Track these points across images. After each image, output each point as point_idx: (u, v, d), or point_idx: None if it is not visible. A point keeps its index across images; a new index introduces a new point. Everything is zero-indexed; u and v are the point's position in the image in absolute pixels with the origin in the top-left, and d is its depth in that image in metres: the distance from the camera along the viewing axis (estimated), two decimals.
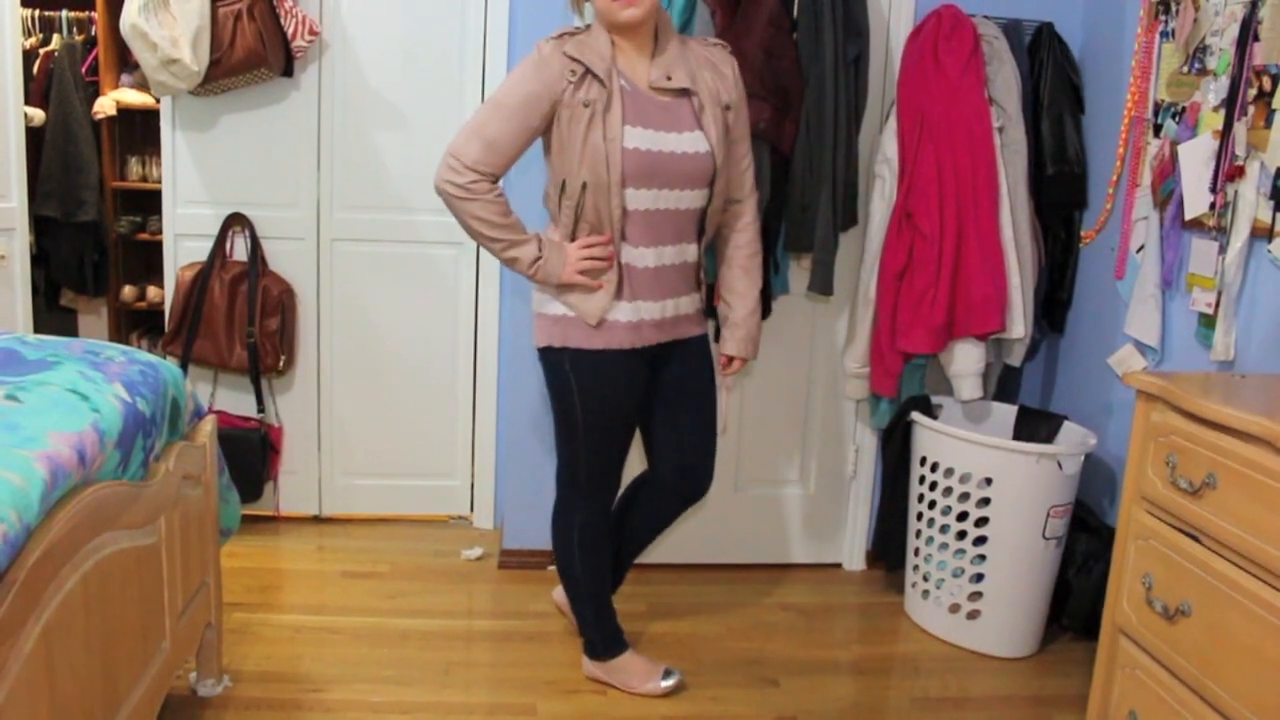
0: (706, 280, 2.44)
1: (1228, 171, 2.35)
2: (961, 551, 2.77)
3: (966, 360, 2.84)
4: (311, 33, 3.06)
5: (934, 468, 2.81)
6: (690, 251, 2.31)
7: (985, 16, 2.89)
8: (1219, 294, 2.39)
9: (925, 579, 2.89)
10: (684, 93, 2.19)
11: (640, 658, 2.53)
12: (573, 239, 2.22)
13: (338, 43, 3.17)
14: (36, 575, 1.41)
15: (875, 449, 3.22)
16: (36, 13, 4.25)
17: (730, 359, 2.47)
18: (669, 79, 2.17)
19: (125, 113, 4.30)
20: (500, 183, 2.23)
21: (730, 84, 2.27)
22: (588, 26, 2.24)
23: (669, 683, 2.47)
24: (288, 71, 3.09)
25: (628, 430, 2.39)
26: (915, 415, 2.88)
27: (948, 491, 2.77)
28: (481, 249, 3.32)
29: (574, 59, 2.13)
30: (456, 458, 3.47)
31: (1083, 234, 3.03)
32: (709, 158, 2.20)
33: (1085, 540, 2.80)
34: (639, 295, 2.25)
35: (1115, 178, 2.87)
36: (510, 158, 2.19)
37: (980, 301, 2.76)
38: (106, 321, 4.57)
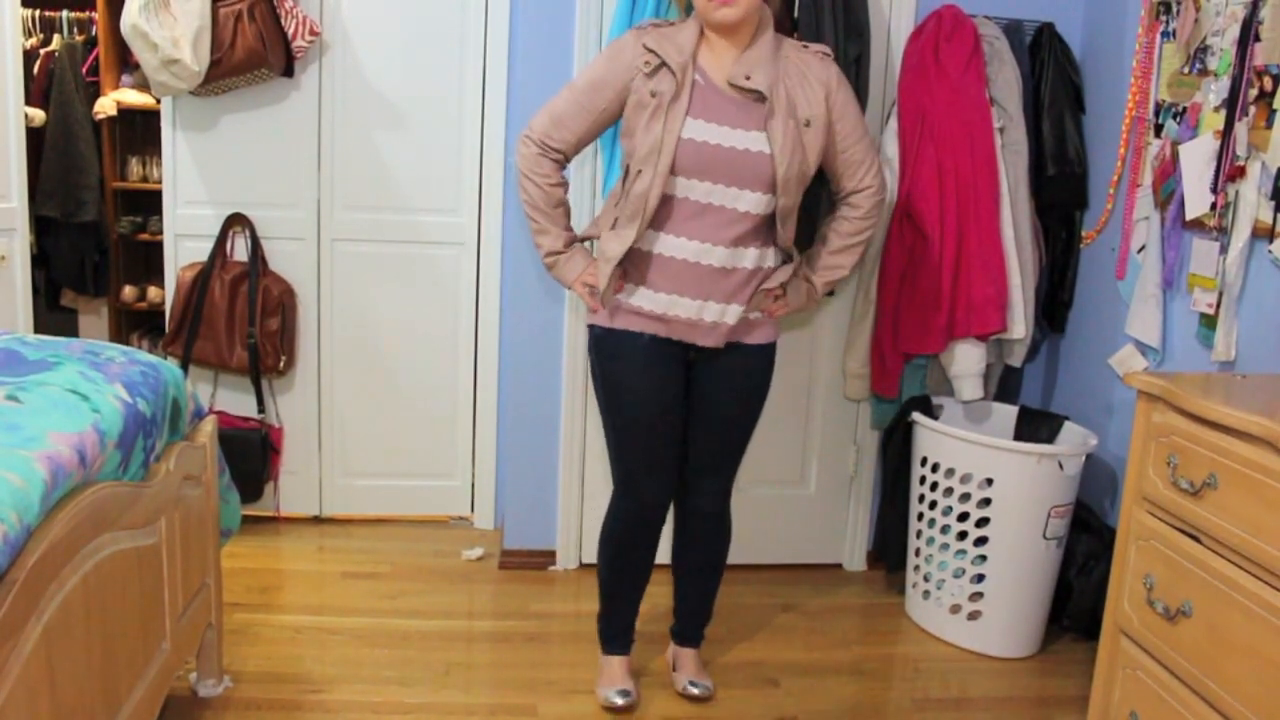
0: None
1: (1229, 172, 2.35)
2: (962, 552, 2.77)
3: (967, 361, 2.84)
4: (312, 33, 3.06)
5: (935, 468, 2.81)
6: (748, 257, 2.20)
7: (986, 17, 2.89)
8: (1220, 294, 2.39)
9: (926, 579, 2.89)
10: (760, 96, 2.14)
11: (621, 669, 2.48)
12: (614, 225, 2.21)
13: (338, 43, 3.17)
14: (37, 576, 1.41)
15: (876, 449, 3.21)
16: (37, 13, 4.24)
17: (780, 295, 2.29)
18: (748, 78, 2.12)
19: (126, 113, 4.30)
20: (566, 172, 2.27)
21: (819, 99, 2.17)
22: (673, 21, 2.25)
23: (615, 700, 2.41)
24: (288, 72, 3.09)
25: (652, 427, 2.29)
26: (916, 416, 2.88)
27: (948, 492, 2.77)
28: (494, 248, 3.33)
29: (650, 50, 2.13)
30: (456, 458, 3.47)
31: (1083, 234, 3.03)
32: (768, 160, 2.13)
33: (1086, 541, 2.80)
34: (667, 287, 2.19)
35: (1116, 178, 2.87)
36: (576, 135, 2.21)
37: (981, 302, 2.76)
38: (107, 322, 4.56)
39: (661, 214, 2.17)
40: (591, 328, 2.30)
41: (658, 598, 2.94)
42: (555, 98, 2.24)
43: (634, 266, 2.21)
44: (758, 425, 3.13)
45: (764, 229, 2.22)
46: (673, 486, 2.39)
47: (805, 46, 2.25)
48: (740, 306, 2.22)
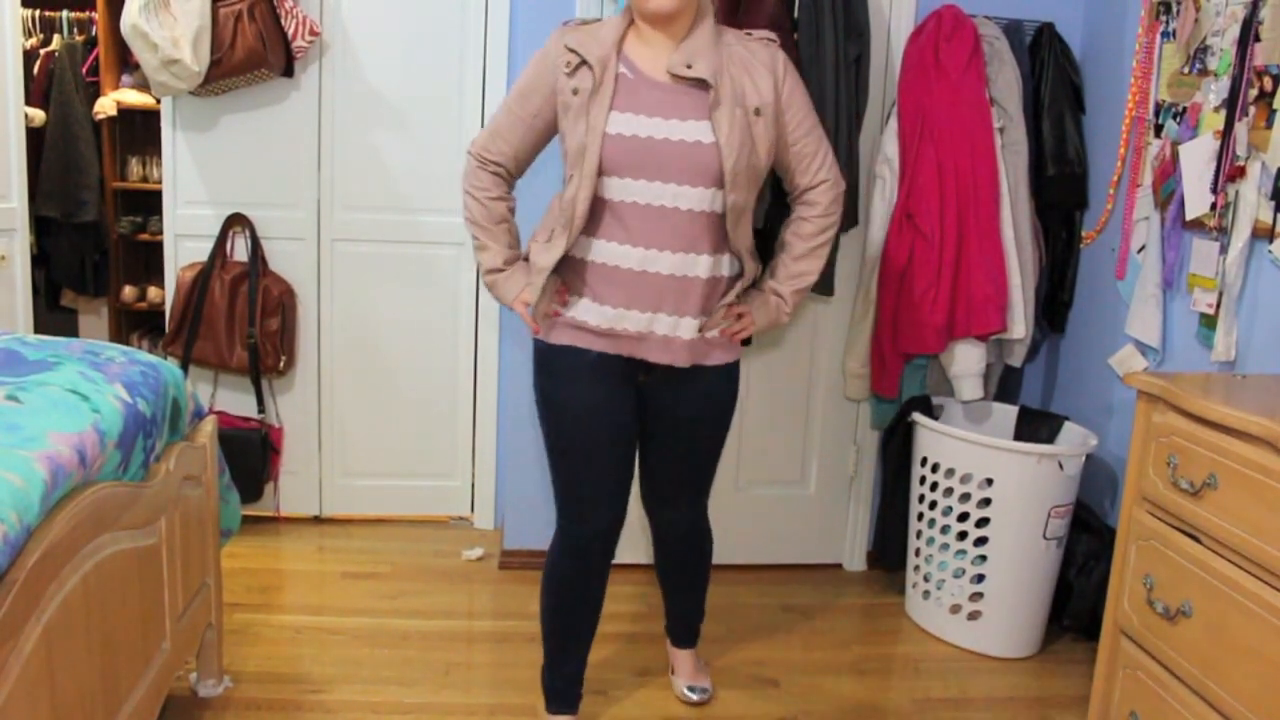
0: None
1: (1229, 172, 2.35)
2: (962, 552, 2.77)
3: (967, 360, 2.84)
4: (312, 33, 3.06)
5: (935, 468, 2.81)
6: (700, 264, 2.03)
7: (986, 17, 2.89)
8: (1220, 294, 2.39)
9: (926, 579, 2.89)
10: (703, 84, 1.98)
11: None
12: (550, 237, 2.08)
13: (338, 43, 3.17)
14: (37, 576, 1.41)
15: (876, 449, 3.21)
16: (37, 13, 4.24)
17: (741, 315, 2.15)
18: (689, 66, 1.98)
19: (126, 113, 4.30)
20: (513, 191, 2.18)
21: (767, 87, 2.02)
22: (600, 18, 2.15)
23: None
24: (288, 72, 3.09)
25: (597, 452, 2.13)
26: (916, 416, 2.88)
27: (948, 492, 2.77)
28: None
29: (571, 49, 2.02)
30: (456, 458, 3.47)
31: (1084, 234, 3.03)
32: (713, 150, 1.97)
33: (1086, 541, 2.80)
34: (613, 299, 2.04)
35: (1116, 178, 2.87)
36: (514, 146, 2.12)
37: (981, 302, 2.76)
38: (107, 322, 4.56)
39: (598, 219, 2.03)
40: (535, 343, 2.15)
41: (655, 597, 2.95)
42: (496, 110, 2.16)
43: (574, 278, 2.07)
44: (758, 426, 3.17)
45: (715, 232, 2.05)
46: (622, 515, 2.21)
47: (748, 34, 2.11)
48: (694, 319, 2.06)
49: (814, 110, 2.14)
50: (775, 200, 2.69)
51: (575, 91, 2.00)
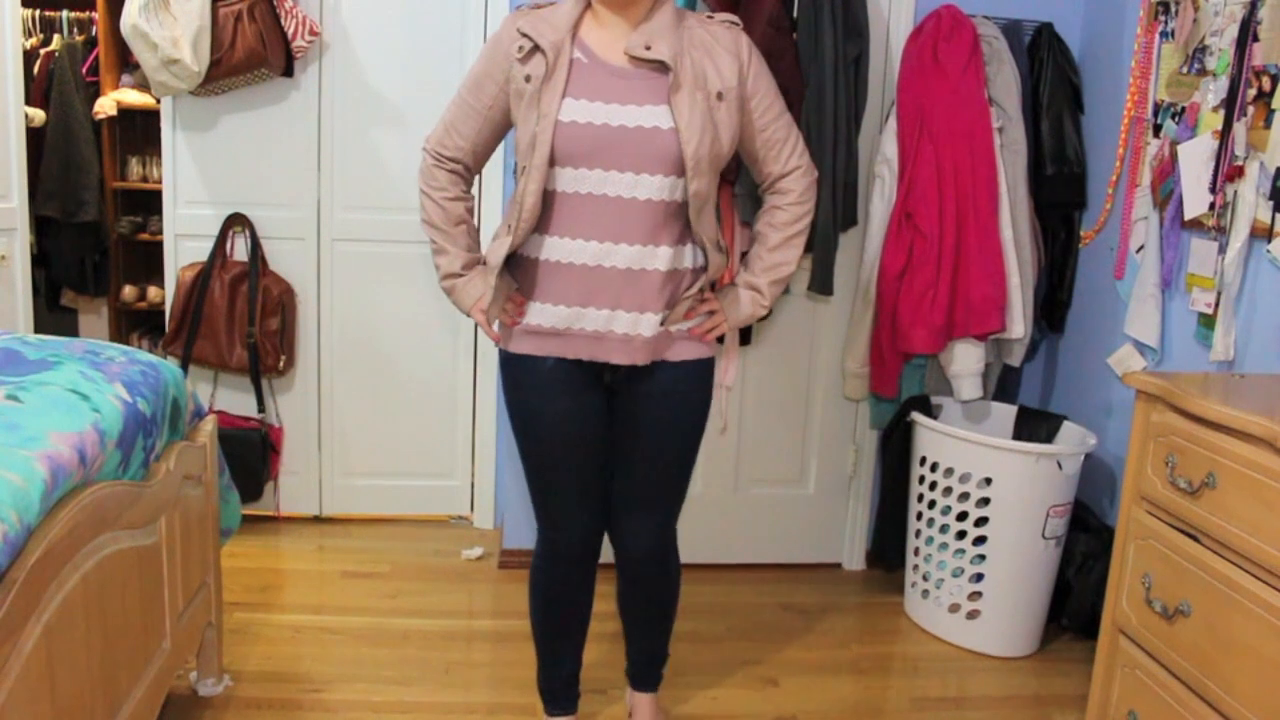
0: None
1: (1227, 172, 2.36)
2: (961, 551, 2.77)
3: (966, 360, 2.84)
4: (312, 33, 3.06)
5: (934, 468, 2.81)
6: (660, 257, 1.93)
7: (985, 17, 2.89)
8: (1218, 294, 2.39)
9: (925, 579, 2.90)
10: (662, 68, 1.89)
11: None
12: (508, 230, 1.98)
13: (338, 43, 3.17)
14: (37, 575, 1.41)
15: (875, 449, 3.22)
16: (37, 13, 4.25)
17: (712, 311, 2.05)
18: (648, 48, 1.88)
19: (126, 113, 4.30)
20: (470, 190, 2.11)
21: (730, 71, 1.92)
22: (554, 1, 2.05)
23: None
24: (288, 72, 3.09)
25: (567, 461, 2.06)
26: (915, 415, 2.88)
27: (947, 491, 2.77)
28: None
29: (524, 34, 1.91)
30: (456, 458, 3.48)
31: (1082, 234, 3.03)
32: (671, 136, 1.86)
33: (1085, 540, 2.80)
34: (568, 298, 1.95)
35: (1115, 178, 2.87)
36: (470, 140, 2.03)
37: (980, 301, 2.76)
38: (107, 322, 4.57)
39: (551, 214, 1.93)
40: (499, 351, 2.08)
41: None
42: (449, 103, 2.06)
43: (525, 278, 1.98)
44: (758, 425, 3.17)
45: (676, 222, 1.95)
46: (602, 519, 2.14)
47: (710, 17, 2.00)
48: (656, 315, 1.95)
49: (781, 96, 2.04)
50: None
51: (527, 79, 1.89)
